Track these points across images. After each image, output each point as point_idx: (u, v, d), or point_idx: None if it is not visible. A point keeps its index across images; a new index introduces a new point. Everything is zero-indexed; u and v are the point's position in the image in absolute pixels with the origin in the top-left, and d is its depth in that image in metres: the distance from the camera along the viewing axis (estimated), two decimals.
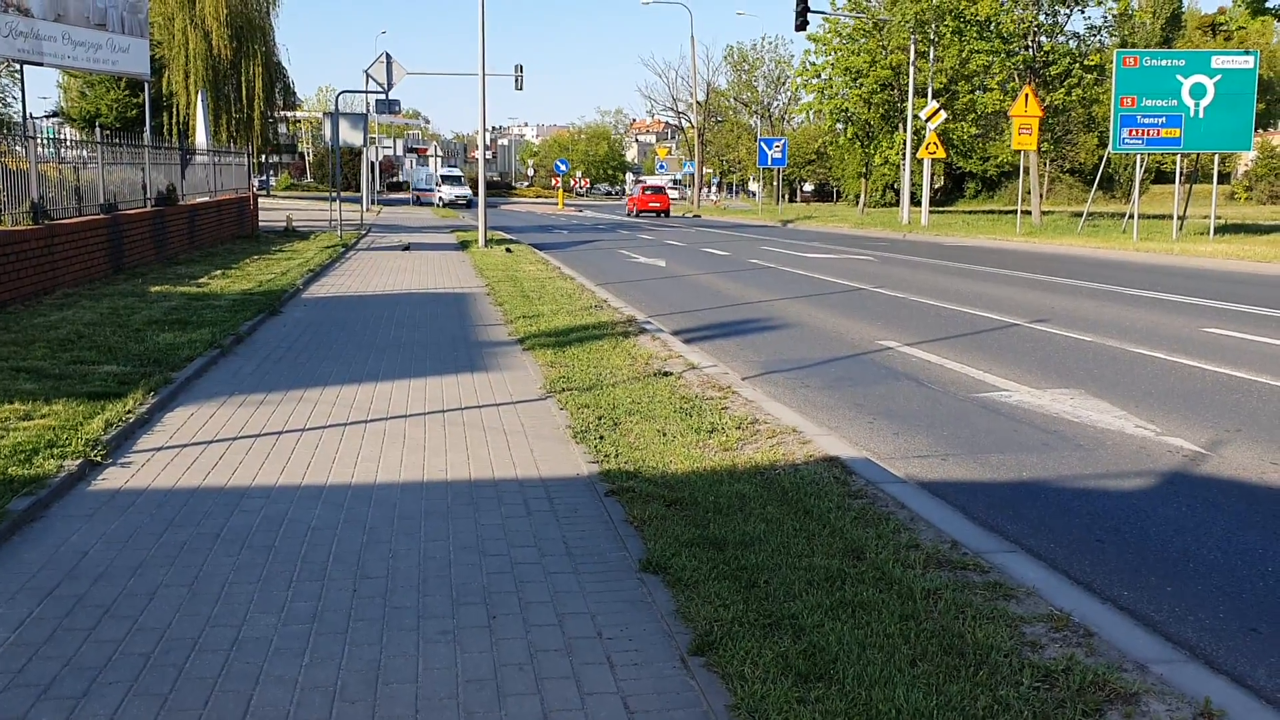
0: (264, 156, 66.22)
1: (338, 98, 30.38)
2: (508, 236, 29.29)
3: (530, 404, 7.77)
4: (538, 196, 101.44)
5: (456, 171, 72.52)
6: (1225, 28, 74.43)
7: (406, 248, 24.31)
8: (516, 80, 45.65)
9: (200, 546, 4.76)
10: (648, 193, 55.84)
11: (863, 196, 57.35)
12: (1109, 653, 3.72)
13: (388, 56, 27.20)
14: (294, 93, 63.82)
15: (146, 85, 25.38)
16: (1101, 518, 5.54)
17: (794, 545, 4.64)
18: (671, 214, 54.95)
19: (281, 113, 62.40)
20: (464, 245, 25.36)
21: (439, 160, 66.31)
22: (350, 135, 27.31)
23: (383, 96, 34.30)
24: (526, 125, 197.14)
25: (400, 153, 72.33)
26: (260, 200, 31.51)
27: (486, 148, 29.91)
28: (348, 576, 4.43)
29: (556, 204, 73.76)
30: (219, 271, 16.61)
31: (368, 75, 27.64)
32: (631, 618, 4.01)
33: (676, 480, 5.68)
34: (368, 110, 42.14)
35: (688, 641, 3.77)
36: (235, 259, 19.19)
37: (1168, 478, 6.22)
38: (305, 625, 3.95)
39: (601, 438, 6.60)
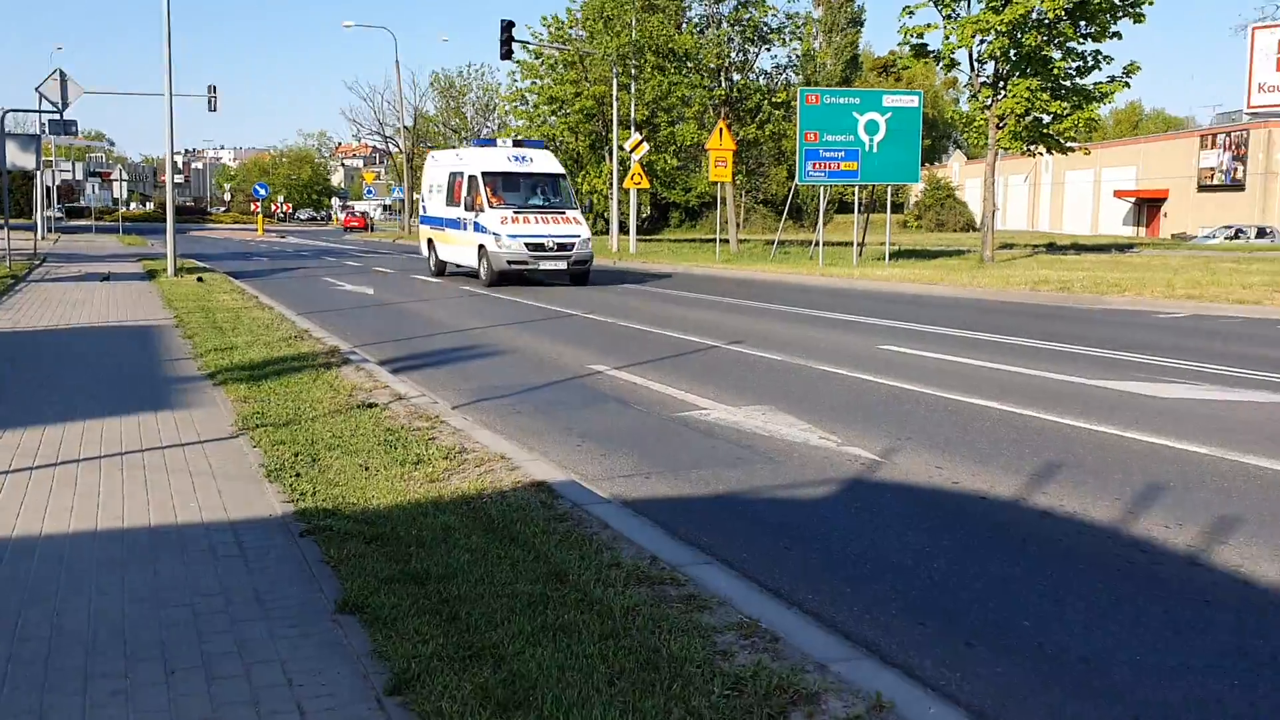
0: None
1: (3, 116, 27.76)
2: (201, 265, 27.68)
3: (220, 443, 7.34)
4: (235, 222, 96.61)
5: (552, 165, 25.10)
6: (895, 69, 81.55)
7: (106, 278, 22.65)
8: (210, 101, 43.39)
9: None
10: (352, 216, 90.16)
11: None
12: (794, 655, 3.92)
13: (62, 73, 25.20)
14: None
15: None
16: (789, 526, 5.86)
17: (498, 573, 4.61)
18: (382, 240, 61.84)
19: None
20: (151, 275, 23.75)
21: (124, 185, 60.75)
22: (20, 158, 25.22)
23: (57, 116, 31.65)
24: (223, 149, 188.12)
25: (81, 176, 66.48)
26: None
27: (178, 170, 28.22)
28: (4, 641, 3.99)
29: (256, 230, 70.52)
30: None
31: (40, 94, 25.51)
32: (325, 662, 3.84)
33: (378, 515, 5.51)
34: (41, 131, 38.76)
35: (384, 681, 3.65)
36: None
37: (847, 485, 6.66)
38: None
39: (298, 475, 6.31)
